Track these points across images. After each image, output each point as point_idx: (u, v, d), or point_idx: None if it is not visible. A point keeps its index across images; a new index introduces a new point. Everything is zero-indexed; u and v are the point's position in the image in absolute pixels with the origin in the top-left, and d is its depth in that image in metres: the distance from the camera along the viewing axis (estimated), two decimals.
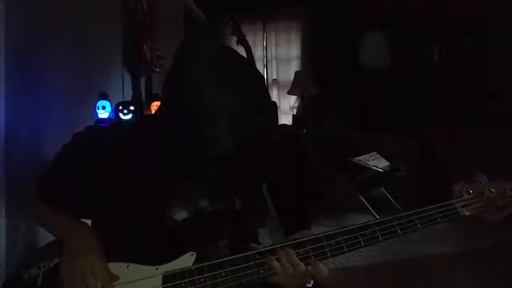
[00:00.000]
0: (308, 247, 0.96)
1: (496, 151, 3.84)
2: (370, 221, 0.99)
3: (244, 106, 0.92)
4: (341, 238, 0.96)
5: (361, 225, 0.98)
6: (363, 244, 0.96)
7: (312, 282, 1.00)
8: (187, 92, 0.92)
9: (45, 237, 1.11)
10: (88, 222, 1.12)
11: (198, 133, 0.91)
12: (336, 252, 0.96)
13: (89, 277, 0.96)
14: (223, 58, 0.99)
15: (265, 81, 1.07)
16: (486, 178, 1.08)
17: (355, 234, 0.97)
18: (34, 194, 1.12)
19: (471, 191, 1.02)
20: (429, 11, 4.59)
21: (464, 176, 1.08)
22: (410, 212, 1.00)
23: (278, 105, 5.57)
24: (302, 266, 0.95)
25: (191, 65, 0.95)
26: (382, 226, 0.98)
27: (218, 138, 0.91)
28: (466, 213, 1.01)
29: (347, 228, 0.98)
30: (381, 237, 0.97)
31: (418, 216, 0.99)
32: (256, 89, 0.97)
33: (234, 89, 0.92)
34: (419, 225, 0.98)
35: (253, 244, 1.09)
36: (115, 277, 0.98)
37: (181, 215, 1.05)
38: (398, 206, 3.92)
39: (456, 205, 1.01)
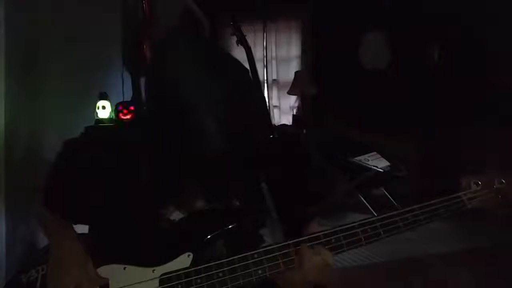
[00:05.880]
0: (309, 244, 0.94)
1: (496, 151, 3.84)
2: (371, 217, 0.95)
3: (229, 96, 0.89)
4: (341, 235, 0.94)
5: (362, 221, 0.94)
6: (363, 241, 0.93)
7: None
8: (170, 87, 0.90)
9: (45, 237, 1.11)
10: (85, 228, 1.12)
11: (185, 129, 0.88)
12: (338, 250, 0.94)
13: None
14: (203, 51, 0.96)
15: (248, 72, 1.05)
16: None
17: (355, 231, 0.94)
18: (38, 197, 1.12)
19: (479, 183, 0.94)
20: (429, 11, 4.59)
21: (473, 169, 0.98)
22: (414, 206, 0.94)
23: (278, 105, 5.58)
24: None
25: (172, 62, 0.92)
26: (384, 222, 0.94)
27: (207, 132, 0.87)
28: (474, 206, 0.93)
29: (347, 226, 0.95)
30: (383, 233, 0.93)
31: (422, 211, 0.94)
32: (239, 80, 0.95)
33: (218, 82, 0.89)
34: (422, 220, 0.93)
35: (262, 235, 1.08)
36: (104, 281, 0.96)
37: (177, 215, 1.04)
38: (398, 206, 3.90)
39: (463, 197, 0.94)
